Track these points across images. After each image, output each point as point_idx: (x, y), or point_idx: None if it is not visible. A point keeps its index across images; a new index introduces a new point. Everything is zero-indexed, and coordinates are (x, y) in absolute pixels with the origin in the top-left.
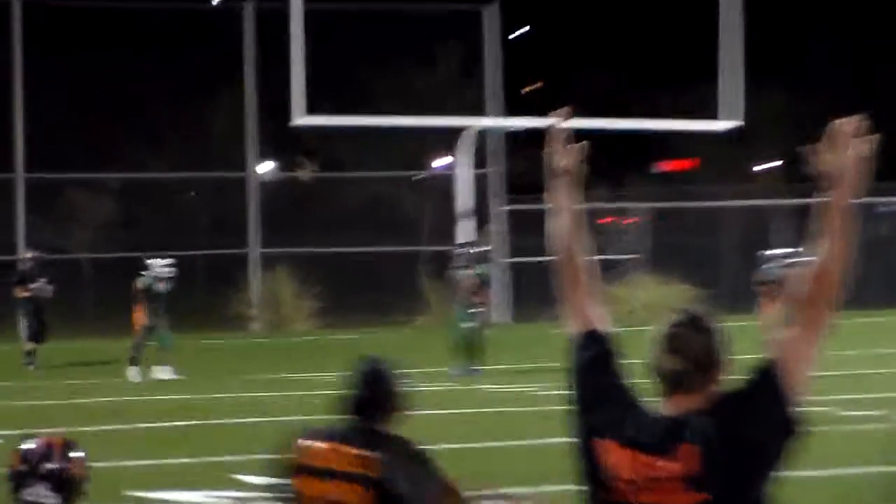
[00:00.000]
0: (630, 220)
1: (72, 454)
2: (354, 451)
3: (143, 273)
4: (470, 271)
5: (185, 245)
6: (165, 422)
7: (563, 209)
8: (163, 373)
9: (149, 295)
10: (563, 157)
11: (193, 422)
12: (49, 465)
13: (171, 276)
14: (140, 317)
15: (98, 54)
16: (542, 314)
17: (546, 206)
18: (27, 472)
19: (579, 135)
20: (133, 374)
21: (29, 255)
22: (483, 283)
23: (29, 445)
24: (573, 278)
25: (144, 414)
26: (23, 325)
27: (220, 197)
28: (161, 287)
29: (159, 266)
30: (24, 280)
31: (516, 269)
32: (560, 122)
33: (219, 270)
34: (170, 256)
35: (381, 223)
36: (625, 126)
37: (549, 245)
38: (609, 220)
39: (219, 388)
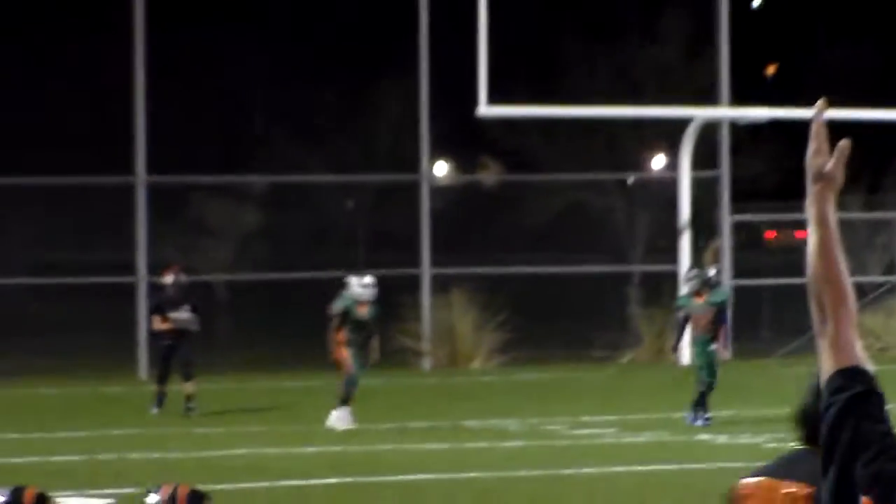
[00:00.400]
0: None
1: None
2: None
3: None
4: (701, 300)
5: (340, 262)
6: (313, 478)
7: (825, 221)
8: (339, 421)
9: (349, 322)
10: (828, 159)
11: (347, 479)
12: None
13: (372, 298)
14: (341, 349)
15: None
16: (773, 349)
17: (776, 216)
18: None
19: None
20: (338, 417)
21: (170, 276)
22: (719, 313)
23: (153, 498)
24: (835, 304)
25: (289, 470)
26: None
27: (384, 205)
28: (362, 313)
29: (359, 285)
30: (161, 307)
31: (738, 294)
32: (821, 113)
33: (381, 295)
34: (318, 278)
35: (581, 237)
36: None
37: (807, 263)
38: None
39: (378, 438)
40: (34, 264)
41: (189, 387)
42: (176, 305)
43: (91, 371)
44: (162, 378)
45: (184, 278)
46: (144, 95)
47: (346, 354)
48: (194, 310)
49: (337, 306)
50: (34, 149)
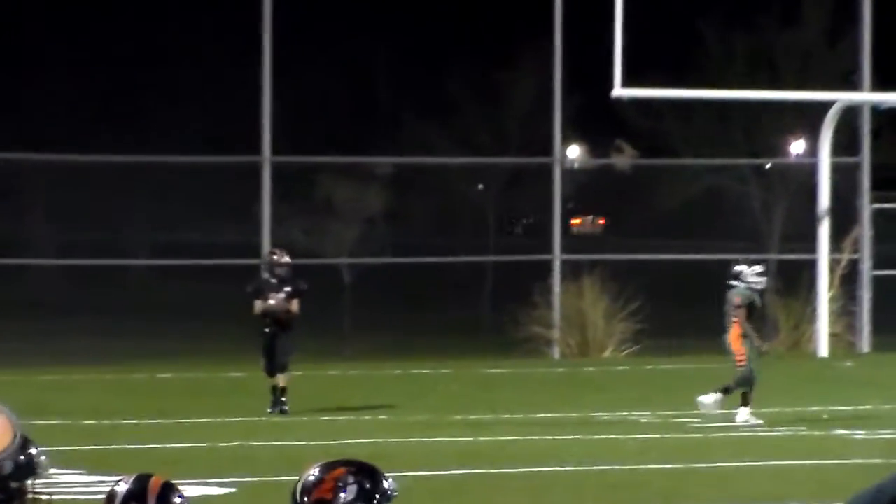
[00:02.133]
0: None
1: (174, 500)
2: None
3: (734, 283)
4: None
5: (470, 248)
6: (440, 469)
7: None
8: (711, 404)
9: (750, 312)
10: None
11: (475, 470)
12: None
13: (764, 286)
14: (738, 340)
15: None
16: None
17: None
18: None
19: None
20: (715, 401)
21: (278, 256)
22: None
23: (121, 487)
24: None
25: (415, 460)
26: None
27: (515, 188)
28: (759, 301)
29: (754, 274)
30: (259, 291)
31: (878, 285)
32: None
33: (507, 282)
34: (444, 263)
35: (717, 224)
36: None
37: None
38: None
39: (506, 429)
40: (158, 246)
41: (281, 380)
42: (276, 289)
43: (213, 355)
44: (270, 370)
45: (286, 260)
46: (270, 74)
47: (743, 349)
48: (295, 294)
49: (743, 297)
50: (160, 128)
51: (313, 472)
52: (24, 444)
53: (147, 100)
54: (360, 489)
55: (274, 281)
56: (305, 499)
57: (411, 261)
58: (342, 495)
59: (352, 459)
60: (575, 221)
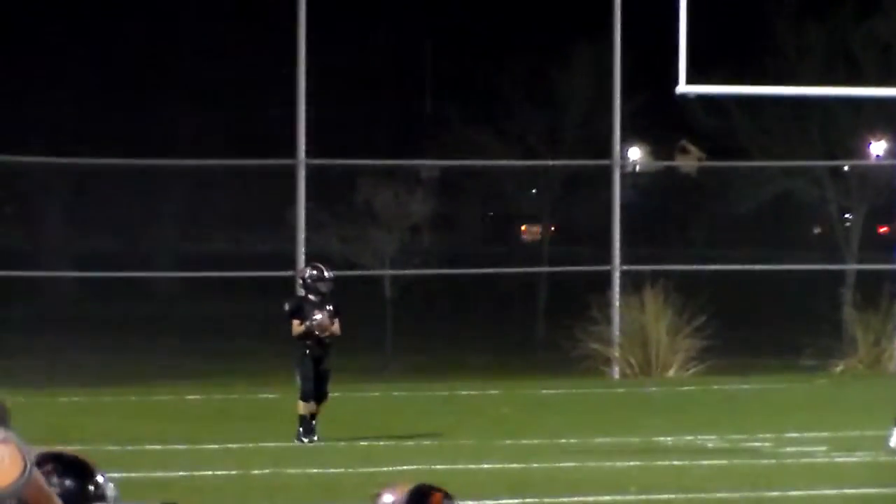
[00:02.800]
0: None
1: None
2: None
3: None
4: None
5: (523, 258)
6: (488, 499)
7: None
8: None
9: None
10: None
11: (527, 500)
12: None
13: None
14: None
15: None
16: None
17: None
18: None
19: None
20: None
21: (308, 271)
22: None
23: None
24: None
25: (462, 488)
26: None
27: (567, 192)
28: None
29: None
30: (299, 309)
31: None
32: None
33: (563, 295)
34: (495, 274)
35: (790, 231)
36: None
37: None
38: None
39: (561, 455)
40: (185, 256)
41: (321, 408)
42: (317, 307)
43: (244, 375)
44: (316, 397)
45: (329, 275)
46: (305, 71)
47: None
48: (338, 313)
49: None
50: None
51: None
52: (88, 471)
53: (174, 100)
54: None
55: (314, 298)
56: None
57: (459, 272)
58: None
59: (430, 484)
60: (524, 228)
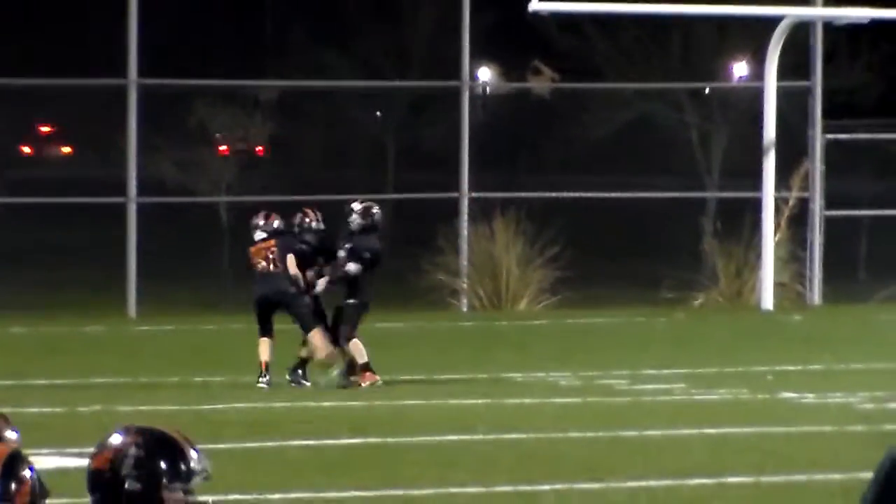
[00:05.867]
0: None
1: (22, 474)
2: None
3: None
4: None
5: (366, 185)
6: (329, 438)
7: None
8: None
9: None
10: None
11: (370, 439)
12: None
13: None
14: None
15: None
16: (870, 292)
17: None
18: None
19: None
20: None
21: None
22: None
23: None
24: None
25: (300, 428)
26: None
27: (416, 116)
28: None
29: None
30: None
31: (830, 227)
32: None
33: (408, 223)
34: (339, 200)
35: (649, 157)
36: None
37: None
38: None
39: (406, 392)
40: (9, 182)
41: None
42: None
43: (72, 307)
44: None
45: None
46: None
47: None
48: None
49: None
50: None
51: (108, 439)
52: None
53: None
54: (143, 463)
55: (305, 247)
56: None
57: (299, 199)
58: (123, 470)
59: (152, 428)
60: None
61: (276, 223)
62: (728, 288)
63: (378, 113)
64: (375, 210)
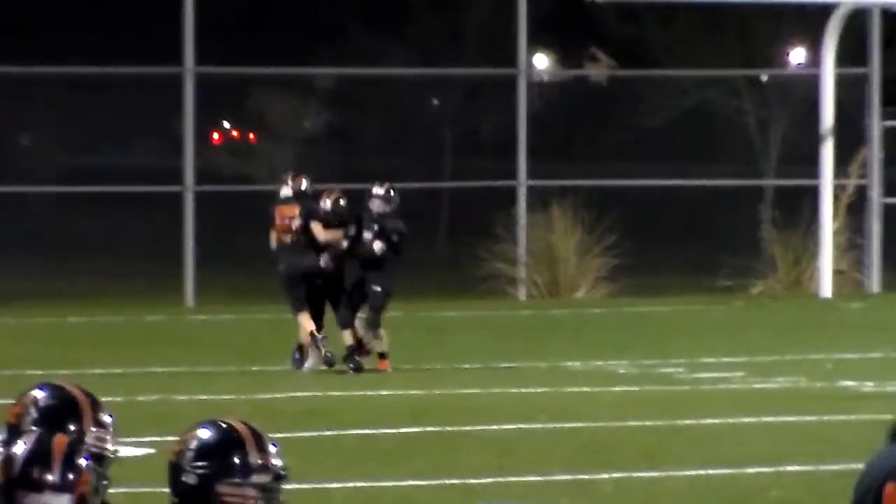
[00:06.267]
0: None
1: (81, 463)
2: None
3: None
4: None
5: (425, 173)
6: (387, 427)
7: None
8: None
9: None
10: None
11: (428, 428)
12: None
13: None
14: None
15: None
16: None
17: None
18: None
19: None
20: None
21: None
22: None
23: (20, 449)
24: None
25: (357, 416)
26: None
27: (473, 103)
28: None
29: None
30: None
31: (889, 214)
32: None
33: (466, 211)
34: (394, 188)
35: (706, 145)
36: None
37: None
38: None
39: (464, 381)
40: (65, 170)
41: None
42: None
43: (130, 297)
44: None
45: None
46: None
47: None
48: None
49: None
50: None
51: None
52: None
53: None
54: (198, 456)
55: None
56: None
57: (355, 187)
58: (182, 463)
59: (219, 422)
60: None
61: (303, 185)
62: (786, 276)
63: (434, 100)
64: (394, 193)
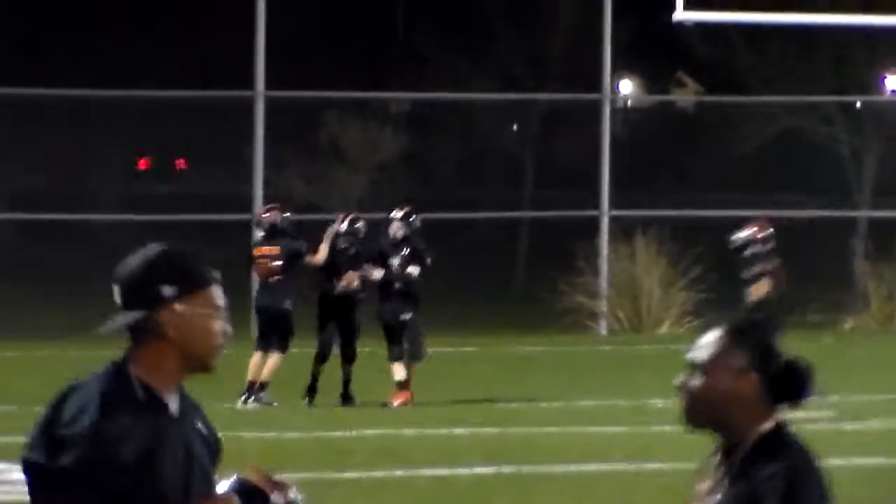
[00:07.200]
0: None
1: None
2: None
3: None
4: None
5: (503, 202)
6: (460, 466)
7: None
8: None
9: None
10: None
11: (503, 468)
12: None
13: None
14: None
15: None
16: None
17: None
18: None
19: None
20: None
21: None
22: None
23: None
24: None
25: (430, 456)
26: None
27: (555, 130)
28: None
29: None
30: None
31: None
32: None
33: (546, 242)
34: (467, 219)
35: (796, 174)
36: None
37: None
38: None
39: (542, 419)
40: (129, 197)
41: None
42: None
43: None
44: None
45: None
46: (265, 5)
47: None
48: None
49: None
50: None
51: None
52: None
53: (119, 26)
54: None
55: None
56: None
57: (431, 216)
58: None
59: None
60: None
61: (278, 220)
62: (879, 311)
63: (515, 126)
64: (415, 217)
